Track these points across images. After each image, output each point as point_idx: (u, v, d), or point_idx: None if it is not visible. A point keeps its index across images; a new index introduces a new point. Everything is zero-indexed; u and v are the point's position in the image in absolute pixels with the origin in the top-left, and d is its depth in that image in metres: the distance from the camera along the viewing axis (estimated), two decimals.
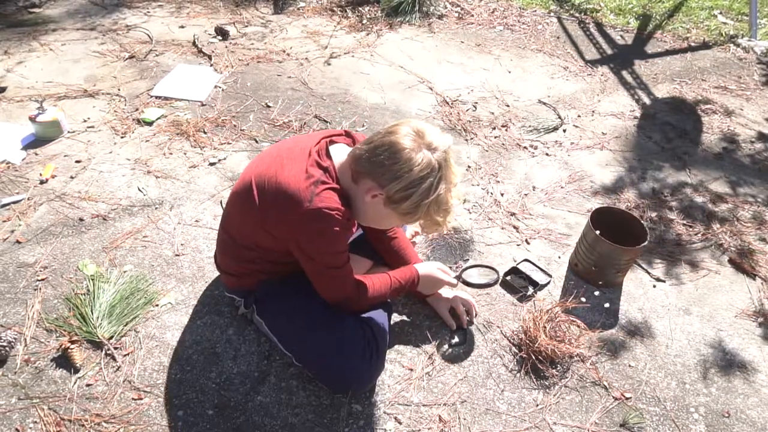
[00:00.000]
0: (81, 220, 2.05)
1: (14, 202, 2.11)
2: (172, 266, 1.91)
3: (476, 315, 1.79)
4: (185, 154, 2.44)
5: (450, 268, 1.98)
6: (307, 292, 1.49)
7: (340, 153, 1.42)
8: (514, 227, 2.20)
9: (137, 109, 2.68)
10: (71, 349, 1.57)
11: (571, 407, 1.60)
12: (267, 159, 1.42)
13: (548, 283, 1.97)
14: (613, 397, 1.63)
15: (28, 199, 2.13)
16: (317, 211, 1.28)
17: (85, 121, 2.58)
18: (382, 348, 1.54)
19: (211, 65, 3.08)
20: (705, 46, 3.80)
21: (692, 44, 3.80)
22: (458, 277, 1.76)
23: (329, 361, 1.49)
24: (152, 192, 2.22)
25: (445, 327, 1.77)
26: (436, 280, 1.68)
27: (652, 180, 2.53)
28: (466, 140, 2.69)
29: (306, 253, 1.38)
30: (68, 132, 2.49)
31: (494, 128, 2.79)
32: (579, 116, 2.94)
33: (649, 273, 2.06)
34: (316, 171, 1.33)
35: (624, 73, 3.40)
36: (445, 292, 1.78)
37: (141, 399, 1.52)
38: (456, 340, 1.74)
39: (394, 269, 1.67)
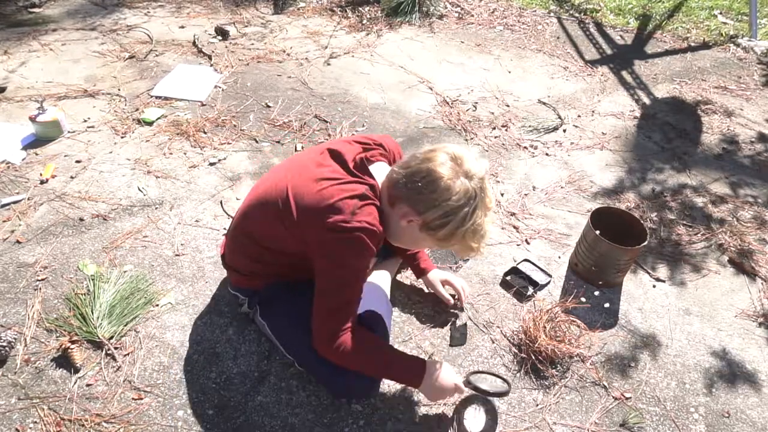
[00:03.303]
0: (81, 220, 2.05)
1: (14, 202, 2.11)
2: (172, 266, 1.91)
3: (465, 298, 1.81)
4: (185, 154, 2.44)
5: (450, 268, 1.98)
6: (312, 298, 1.47)
7: (381, 172, 1.42)
8: (514, 227, 2.20)
9: (137, 109, 2.68)
10: (71, 349, 1.57)
11: (571, 407, 1.60)
12: (302, 170, 1.39)
13: (548, 283, 1.97)
14: (613, 397, 1.63)
15: (28, 199, 2.13)
16: (357, 228, 1.26)
17: (85, 121, 2.58)
18: None
19: (211, 65, 3.08)
20: (705, 46, 3.80)
21: (692, 44, 3.80)
22: (467, 383, 1.51)
23: (331, 370, 1.45)
24: (152, 192, 2.22)
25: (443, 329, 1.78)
26: (444, 388, 1.46)
27: (652, 180, 2.53)
28: (466, 140, 2.69)
29: (333, 260, 1.32)
30: (68, 132, 2.49)
31: (494, 128, 2.79)
32: (579, 116, 2.94)
33: (649, 273, 2.06)
34: (359, 186, 1.32)
35: (624, 73, 3.40)
36: (440, 273, 1.80)
37: (141, 399, 1.52)
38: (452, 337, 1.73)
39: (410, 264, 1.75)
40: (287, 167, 1.47)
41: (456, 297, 1.80)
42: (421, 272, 1.82)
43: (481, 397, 1.56)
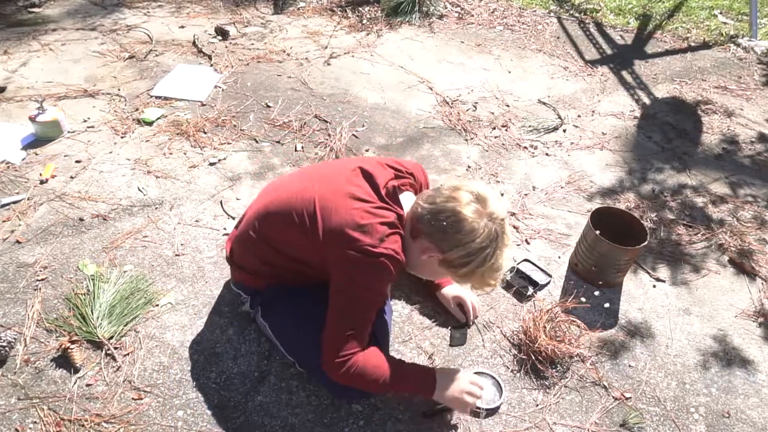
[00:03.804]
0: (81, 220, 2.05)
1: (14, 202, 2.11)
2: (172, 266, 1.91)
3: (476, 317, 1.80)
4: (185, 154, 2.44)
5: None
6: (314, 301, 1.46)
7: (407, 202, 1.43)
8: (514, 227, 2.20)
9: (137, 109, 2.68)
10: (71, 349, 1.57)
11: (571, 407, 1.60)
12: (331, 183, 1.40)
13: (548, 283, 1.97)
14: (613, 397, 1.63)
15: (28, 199, 2.13)
16: (383, 254, 1.28)
17: (85, 121, 2.58)
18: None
19: (211, 65, 3.08)
20: (705, 46, 3.79)
21: (692, 44, 3.80)
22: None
23: None
24: (152, 192, 2.22)
25: (444, 326, 1.77)
26: (465, 394, 1.45)
27: (652, 180, 2.53)
28: (466, 140, 2.69)
29: (356, 282, 1.33)
30: (68, 132, 2.49)
31: (494, 128, 2.79)
32: (579, 116, 2.94)
33: (649, 273, 2.06)
34: (389, 214, 1.34)
35: (624, 73, 3.40)
36: (454, 289, 1.79)
37: (141, 399, 1.52)
38: (456, 337, 1.74)
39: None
40: (315, 177, 1.46)
41: (466, 314, 1.78)
42: (435, 287, 1.83)
43: (483, 371, 1.64)
